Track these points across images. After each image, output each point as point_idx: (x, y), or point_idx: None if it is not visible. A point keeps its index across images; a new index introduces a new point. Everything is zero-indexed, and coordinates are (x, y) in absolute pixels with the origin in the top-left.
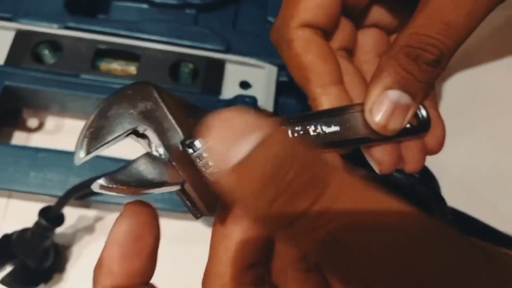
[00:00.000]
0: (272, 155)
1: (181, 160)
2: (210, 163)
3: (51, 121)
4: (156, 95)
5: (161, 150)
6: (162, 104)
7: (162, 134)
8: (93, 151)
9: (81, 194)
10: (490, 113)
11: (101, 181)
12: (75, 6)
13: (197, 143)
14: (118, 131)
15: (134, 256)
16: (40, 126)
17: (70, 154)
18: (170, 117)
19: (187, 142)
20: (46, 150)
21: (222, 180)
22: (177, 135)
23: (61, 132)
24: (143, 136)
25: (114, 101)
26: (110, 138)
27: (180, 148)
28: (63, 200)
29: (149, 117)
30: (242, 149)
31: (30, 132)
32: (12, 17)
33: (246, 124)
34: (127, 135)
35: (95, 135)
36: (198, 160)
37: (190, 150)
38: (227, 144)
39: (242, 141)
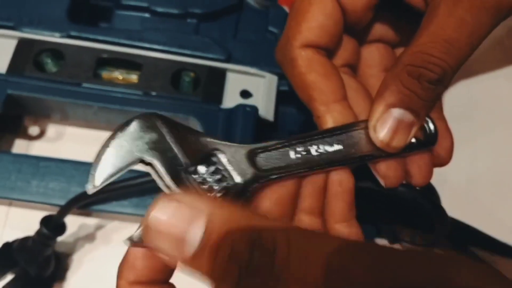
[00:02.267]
0: (222, 239)
1: (184, 186)
2: (215, 186)
3: (52, 129)
4: (160, 126)
5: (167, 179)
6: (166, 135)
7: (166, 163)
8: (104, 182)
9: (83, 203)
10: (490, 123)
11: (130, 239)
12: (78, 15)
13: (200, 168)
14: (126, 162)
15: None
16: (41, 134)
17: (71, 163)
18: (174, 147)
19: (191, 169)
20: (48, 158)
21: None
22: (181, 162)
23: (62, 140)
24: (150, 163)
25: (121, 133)
26: (118, 169)
27: (183, 174)
28: (65, 210)
29: (154, 147)
30: (193, 238)
31: (31, 140)
32: (14, 26)
33: (187, 212)
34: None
35: (105, 167)
36: (202, 185)
37: (194, 176)
38: (176, 238)
39: (189, 231)
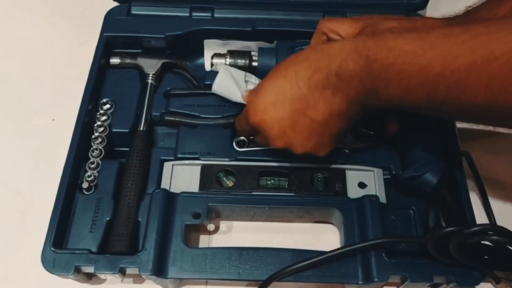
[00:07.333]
0: None
1: None
2: None
3: (223, 224)
4: None
5: None
6: None
7: None
8: None
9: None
10: None
11: None
12: (239, 143)
13: None
14: None
15: None
16: (216, 229)
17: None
18: None
19: None
20: (234, 248)
21: None
22: None
23: (232, 232)
24: None
25: None
26: None
27: None
28: (266, 283)
29: None
30: None
31: (210, 234)
32: (198, 157)
33: None
34: None
35: None
36: None
37: None
38: None
39: None
